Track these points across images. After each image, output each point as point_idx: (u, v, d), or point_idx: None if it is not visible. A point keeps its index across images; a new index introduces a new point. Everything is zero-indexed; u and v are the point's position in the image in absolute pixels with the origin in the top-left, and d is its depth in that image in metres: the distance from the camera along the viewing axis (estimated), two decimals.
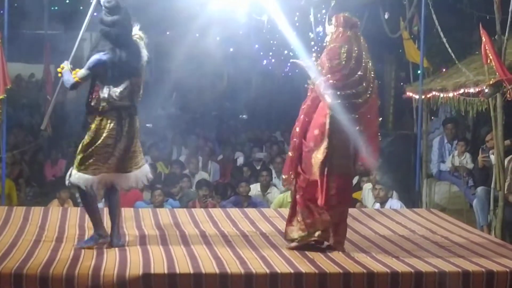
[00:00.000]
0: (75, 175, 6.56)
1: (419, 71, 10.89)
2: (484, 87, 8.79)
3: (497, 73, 8.48)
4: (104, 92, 6.44)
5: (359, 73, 6.44)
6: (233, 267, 5.94)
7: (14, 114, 17.53)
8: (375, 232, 7.42)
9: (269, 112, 20.47)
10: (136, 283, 5.64)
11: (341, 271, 5.93)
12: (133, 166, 6.75)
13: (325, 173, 6.43)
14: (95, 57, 6.45)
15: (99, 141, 6.48)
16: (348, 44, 6.51)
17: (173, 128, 16.52)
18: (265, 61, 21.02)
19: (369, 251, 6.58)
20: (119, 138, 6.52)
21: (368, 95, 6.49)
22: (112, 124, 6.49)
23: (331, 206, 6.50)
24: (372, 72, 6.58)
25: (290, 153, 6.73)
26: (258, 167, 12.67)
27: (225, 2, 12.43)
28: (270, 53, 20.35)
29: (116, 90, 6.44)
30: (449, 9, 12.27)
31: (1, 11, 9.60)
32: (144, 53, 6.60)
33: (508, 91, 8.41)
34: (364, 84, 6.47)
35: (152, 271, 5.77)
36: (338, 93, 6.41)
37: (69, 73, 6.57)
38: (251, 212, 8.33)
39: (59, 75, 6.69)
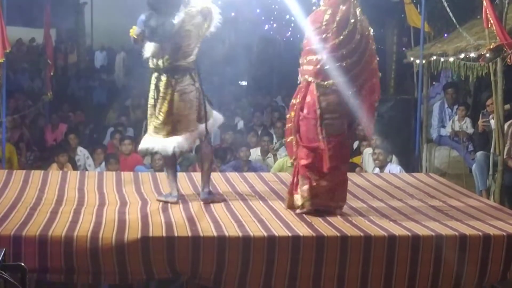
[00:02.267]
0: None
1: None
2: (485, 52, 8.75)
3: (497, 38, 8.43)
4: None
5: (341, 37, 6.38)
6: (231, 230, 5.96)
7: (15, 78, 17.58)
8: (374, 196, 7.43)
9: (271, 77, 20.42)
10: (134, 246, 5.67)
11: (338, 234, 5.95)
12: (181, 129, 6.84)
13: (322, 135, 6.47)
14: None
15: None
16: (333, 7, 6.46)
17: None
18: (266, 26, 20.96)
19: (367, 215, 6.61)
20: (157, 99, 6.80)
21: (356, 58, 6.42)
22: (152, 86, 6.83)
23: (332, 167, 6.51)
24: (366, 34, 6.50)
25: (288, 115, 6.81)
26: (259, 132, 12.69)
27: None
28: (272, 18, 20.29)
29: (146, 52, 6.79)
30: None
31: None
32: (174, 22, 6.61)
33: (509, 56, 8.36)
34: (347, 47, 6.40)
35: (150, 234, 5.80)
36: (318, 57, 6.45)
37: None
38: (250, 176, 8.35)
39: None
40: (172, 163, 7.04)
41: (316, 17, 6.54)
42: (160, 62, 6.75)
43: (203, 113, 6.96)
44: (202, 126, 6.98)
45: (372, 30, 6.61)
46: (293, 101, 6.74)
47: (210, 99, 7.12)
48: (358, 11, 6.51)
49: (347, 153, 6.79)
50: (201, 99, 6.93)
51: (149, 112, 6.94)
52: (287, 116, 6.89)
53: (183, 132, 6.83)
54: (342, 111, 6.49)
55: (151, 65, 6.84)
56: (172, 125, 6.80)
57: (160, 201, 6.89)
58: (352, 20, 6.44)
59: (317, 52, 6.46)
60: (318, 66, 6.45)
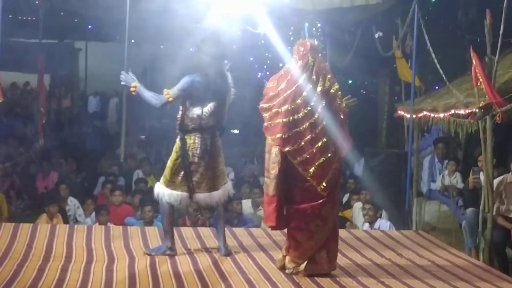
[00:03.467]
0: (165, 192, 7.10)
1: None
2: (474, 109, 8.81)
3: (487, 96, 8.49)
4: (194, 112, 6.97)
5: (297, 101, 6.40)
6: None
7: (8, 123, 17.59)
8: (362, 255, 7.43)
9: (263, 125, 20.48)
10: None
11: None
12: (220, 183, 7.21)
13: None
14: (188, 79, 6.98)
15: (187, 159, 7.02)
16: (292, 70, 6.56)
17: (167, 141, 16.51)
18: (259, 74, 21.04)
19: (355, 275, 6.61)
20: (204, 156, 7.01)
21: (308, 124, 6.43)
22: (197, 143, 7.01)
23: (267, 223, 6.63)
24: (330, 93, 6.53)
25: None
26: (252, 182, 12.63)
27: (220, 18, 12.46)
28: (265, 66, 20.38)
29: (206, 111, 6.95)
30: (442, 29, 12.31)
31: None
32: (230, 83, 7.23)
33: (498, 114, 8.43)
34: (301, 113, 6.41)
35: None
36: (264, 115, 6.60)
37: (147, 90, 7.12)
38: (240, 232, 8.34)
39: (134, 93, 7.19)
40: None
41: (272, 78, 6.71)
42: (210, 122, 7.00)
43: None
44: None
45: (337, 87, 6.62)
46: None
47: None
48: (322, 65, 6.59)
49: (274, 212, 6.51)
50: None
51: (193, 167, 7.05)
52: None
53: (221, 186, 7.22)
54: (274, 173, 6.47)
55: (193, 124, 7.00)
56: (214, 180, 7.16)
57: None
58: (303, 78, 6.49)
59: (269, 110, 6.56)
60: (267, 124, 6.59)
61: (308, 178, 6.42)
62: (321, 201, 6.49)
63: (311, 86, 6.46)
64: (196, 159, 7.03)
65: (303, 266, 6.51)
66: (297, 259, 6.54)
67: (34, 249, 7.06)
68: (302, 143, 6.41)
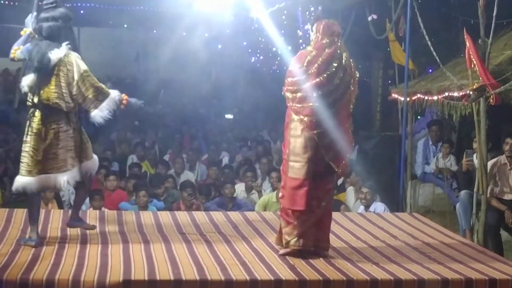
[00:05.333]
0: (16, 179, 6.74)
1: None
2: (468, 92, 8.82)
3: (480, 78, 8.50)
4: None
5: (320, 79, 6.41)
6: (214, 273, 5.97)
7: (1, 109, 17.54)
8: (357, 238, 7.44)
9: (257, 109, 20.44)
10: None
11: (321, 278, 5.97)
12: (53, 168, 6.67)
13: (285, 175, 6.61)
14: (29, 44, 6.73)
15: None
16: (319, 50, 6.53)
17: (160, 126, 16.50)
18: (253, 58, 21.01)
19: (350, 258, 6.62)
20: (29, 136, 6.60)
21: (331, 100, 6.45)
22: (27, 122, 6.67)
23: (283, 209, 6.61)
24: (349, 79, 6.57)
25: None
26: (246, 167, 12.65)
27: (212, 2, 12.46)
28: (258, 50, 20.35)
29: (22, 80, 6.60)
30: (435, 12, 12.29)
31: None
32: (54, 57, 6.50)
33: (491, 96, 8.44)
34: (324, 89, 6.43)
35: (132, 277, 5.79)
36: (290, 96, 6.53)
37: (21, 42, 6.77)
38: (234, 215, 8.34)
39: (21, 34, 6.86)
40: (36, 203, 6.87)
41: (299, 57, 6.63)
42: (35, 98, 6.57)
43: (82, 154, 6.83)
44: (78, 167, 6.83)
45: (357, 74, 6.68)
46: None
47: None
48: (344, 55, 6.57)
49: (302, 197, 6.48)
50: (80, 140, 6.80)
51: (23, 148, 6.68)
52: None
53: (54, 172, 6.67)
54: (307, 157, 6.47)
55: (29, 100, 6.65)
56: (43, 164, 6.62)
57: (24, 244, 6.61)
58: (335, 64, 6.47)
59: (296, 91, 6.51)
60: (295, 106, 6.51)
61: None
62: (321, 181, 6.56)
63: (342, 72, 6.49)
64: (27, 138, 6.60)
65: (293, 241, 6.54)
66: (287, 236, 6.57)
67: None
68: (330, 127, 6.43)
